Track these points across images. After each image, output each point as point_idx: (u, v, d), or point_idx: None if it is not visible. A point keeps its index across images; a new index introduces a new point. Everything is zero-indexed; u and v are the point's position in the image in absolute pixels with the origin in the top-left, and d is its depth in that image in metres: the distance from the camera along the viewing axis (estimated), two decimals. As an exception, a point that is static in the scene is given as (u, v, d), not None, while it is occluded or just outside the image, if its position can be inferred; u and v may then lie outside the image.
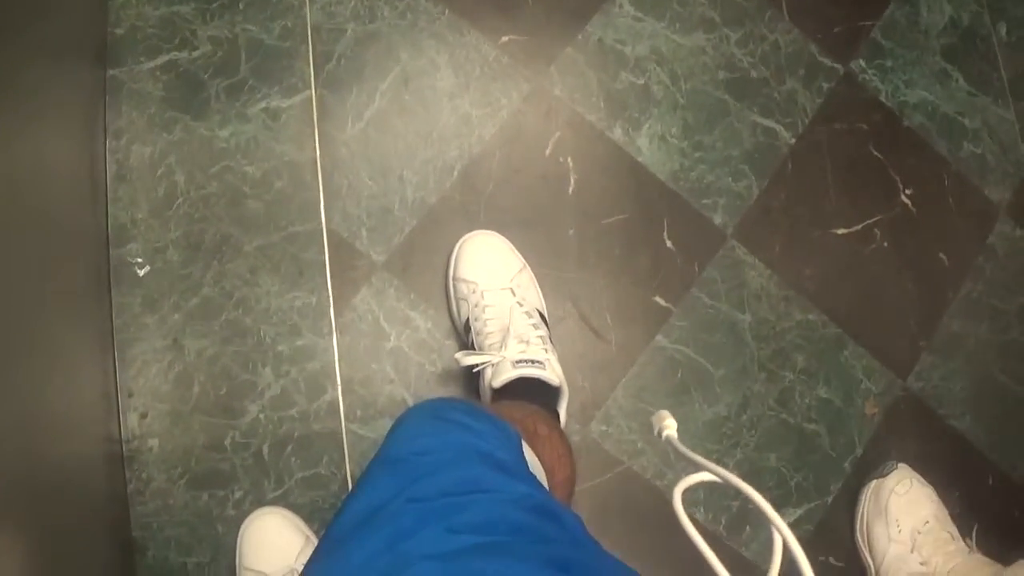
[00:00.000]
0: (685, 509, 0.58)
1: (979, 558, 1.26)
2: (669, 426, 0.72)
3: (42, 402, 0.98)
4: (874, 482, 1.35)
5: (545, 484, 0.85)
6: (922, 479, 1.34)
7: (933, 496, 1.33)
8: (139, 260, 1.26)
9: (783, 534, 0.52)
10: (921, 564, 1.26)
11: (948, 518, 1.32)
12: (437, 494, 0.66)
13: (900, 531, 1.29)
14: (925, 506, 1.31)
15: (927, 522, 1.29)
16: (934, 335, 1.43)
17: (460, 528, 0.62)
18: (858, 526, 1.35)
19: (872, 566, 1.33)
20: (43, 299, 1.01)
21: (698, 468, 0.62)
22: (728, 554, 1.31)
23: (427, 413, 0.81)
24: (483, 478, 0.69)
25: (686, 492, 0.60)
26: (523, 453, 0.81)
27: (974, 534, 1.33)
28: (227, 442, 1.23)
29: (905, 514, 1.30)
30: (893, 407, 1.40)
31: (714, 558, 0.54)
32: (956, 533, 1.31)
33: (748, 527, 1.32)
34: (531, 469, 0.80)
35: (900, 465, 1.34)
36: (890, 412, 1.40)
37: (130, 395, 1.24)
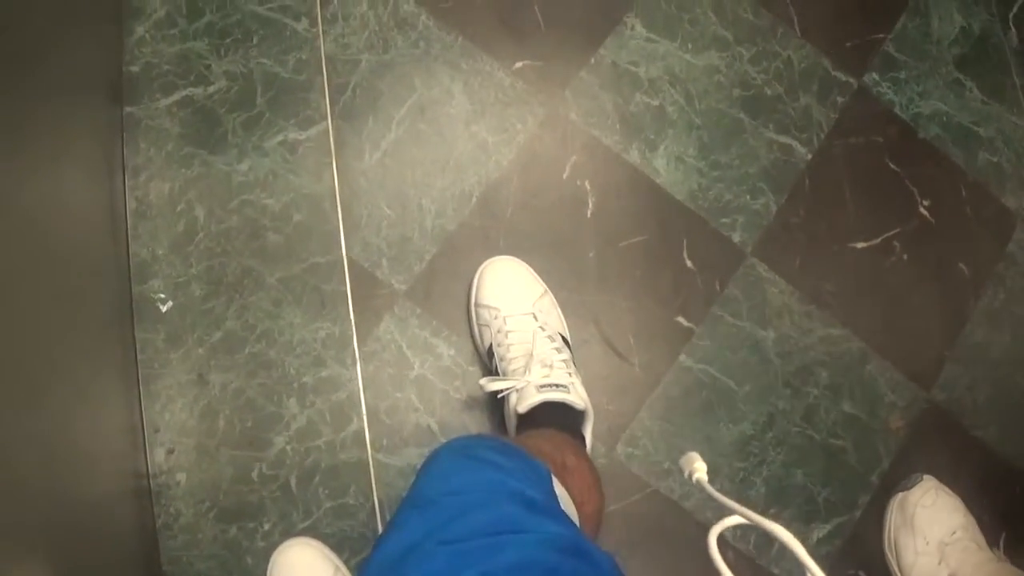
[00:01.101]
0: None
1: (1008, 567, 1.25)
2: (699, 469, 0.72)
3: (68, 439, 0.99)
4: (900, 495, 1.34)
5: (575, 517, 0.85)
6: (948, 490, 1.33)
7: (960, 507, 1.32)
8: (161, 296, 1.26)
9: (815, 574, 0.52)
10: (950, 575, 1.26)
11: (976, 528, 1.31)
12: (469, 535, 0.66)
13: (927, 543, 1.28)
14: (952, 517, 1.30)
15: (954, 533, 1.28)
16: (957, 345, 1.43)
17: (494, 572, 0.62)
18: (886, 539, 1.34)
19: None
20: (66, 337, 1.02)
21: (729, 511, 0.62)
22: (757, 571, 1.30)
23: (457, 451, 0.81)
24: (514, 517, 0.69)
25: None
26: (554, 489, 0.81)
27: (1002, 543, 1.32)
28: (254, 474, 1.23)
29: (932, 526, 1.29)
30: (918, 419, 1.40)
31: None
32: (983, 543, 1.29)
33: (776, 544, 1.31)
34: (562, 504, 0.80)
35: (926, 477, 1.34)
36: (915, 424, 1.39)
37: (156, 430, 1.24)
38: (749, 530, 1.32)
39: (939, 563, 1.27)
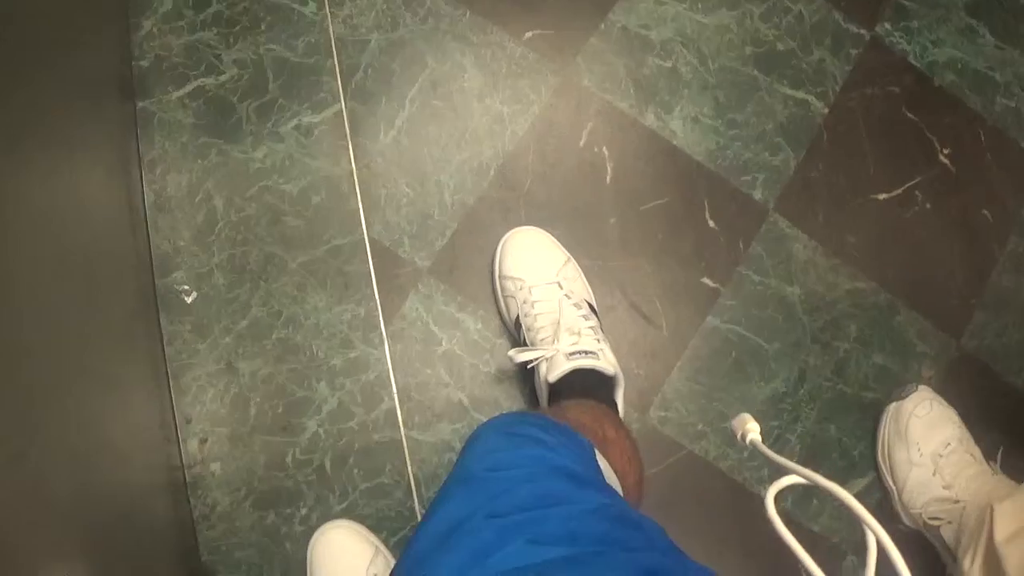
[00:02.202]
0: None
1: (1005, 480, 1.23)
2: (752, 430, 0.71)
3: (101, 434, 0.99)
4: (893, 405, 1.33)
5: (619, 490, 0.84)
6: (943, 401, 1.32)
7: (955, 417, 1.30)
8: (185, 287, 1.27)
9: (877, 534, 0.51)
10: (944, 488, 1.24)
11: (971, 440, 1.29)
12: (516, 509, 0.66)
13: (921, 454, 1.27)
14: (947, 428, 1.28)
15: (948, 444, 1.26)
16: (984, 293, 1.42)
17: (544, 540, 0.62)
18: (879, 450, 1.33)
19: (895, 490, 1.30)
20: (94, 334, 1.02)
21: (785, 470, 0.61)
22: (797, 529, 1.30)
23: (500, 429, 0.81)
24: (560, 491, 0.69)
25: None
26: (597, 463, 0.81)
27: (999, 456, 1.30)
28: (288, 460, 1.23)
29: (926, 436, 1.28)
30: (950, 368, 1.39)
31: (811, 563, 0.54)
32: (979, 455, 1.28)
33: (815, 500, 1.31)
34: (606, 477, 0.80)
35: (920, 387, 1.32)
36: (947, 373, 1.39)
37: (188, 421, 1.24)
38: (786, 488, 1.32)
39: (933, 474, 1.25)
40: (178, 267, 1.27)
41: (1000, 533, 1.10)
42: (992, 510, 1.13)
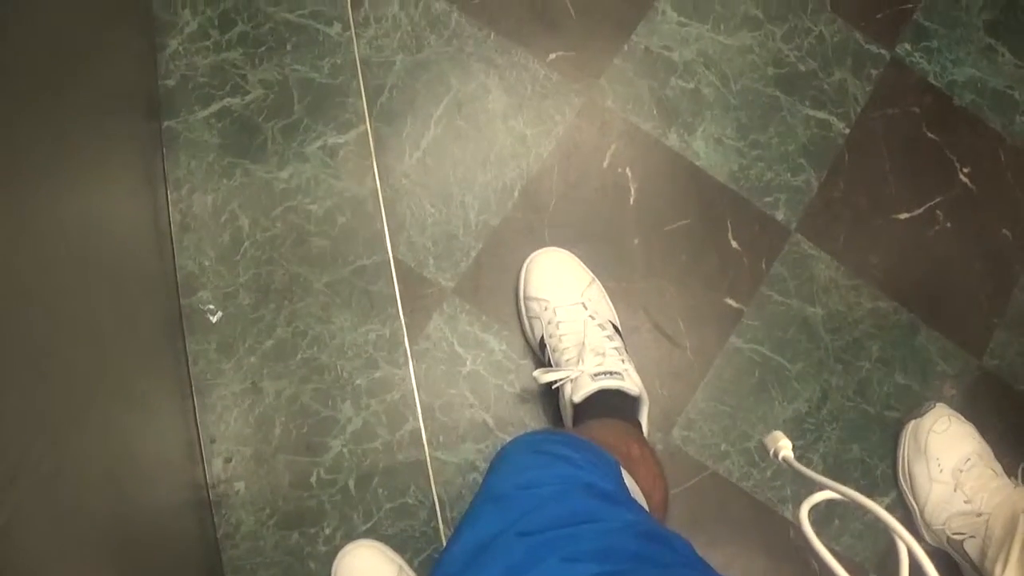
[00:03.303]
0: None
1: None
2: (784, 446, 0.72)
3: (126, 453, 0.99)
4: (912, 422, 1.33)
5: (646, 507, 0.85)
6: (961, 417, 1.32)
7: (974, 433, 1.31)
8: (211, 307, 1.27)
9: (909, 545, 0.52)
10: (966, 503, 1.24)
11: (991, 455, 1.29)
12: (547, 526, 0.66)
13: (941, 470, 1.27)
14: (966, 443, 1.29)
15: (968, 459, 1.26)
16: (1006, 311, 1.42)
17: (577, 557, 0.62)
18: (900, 469, 1.33)
19: (916, 509, 1.30)
20: (119, 353, 1.02)
21: (819, 486, 0.62)
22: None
23: (527, 447, 0.81)
24: (590, 508, 0.69)
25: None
26: (623, 480, 0.81)
27: (1020, 472, 1.30)
28: (313, 479, 1.24)
29: (945, 452, 1.28)
30: (971, 386, 1.39)
31: (844, 572, 0.54)
32: (1000, 470, 1.27)
33: (836, 520, 1.32)
34: (632, 495, 0.80)
35: (938, 404, 1.33)
36: (969, 392, 1.39)
37: (213, 440, 1.25)
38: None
39: (954, 490, 1.26)
40: (203, 287, 1.28)
41: None
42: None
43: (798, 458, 1.30)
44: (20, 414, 0.69)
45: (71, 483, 0.78)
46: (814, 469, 1.30)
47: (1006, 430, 1.37)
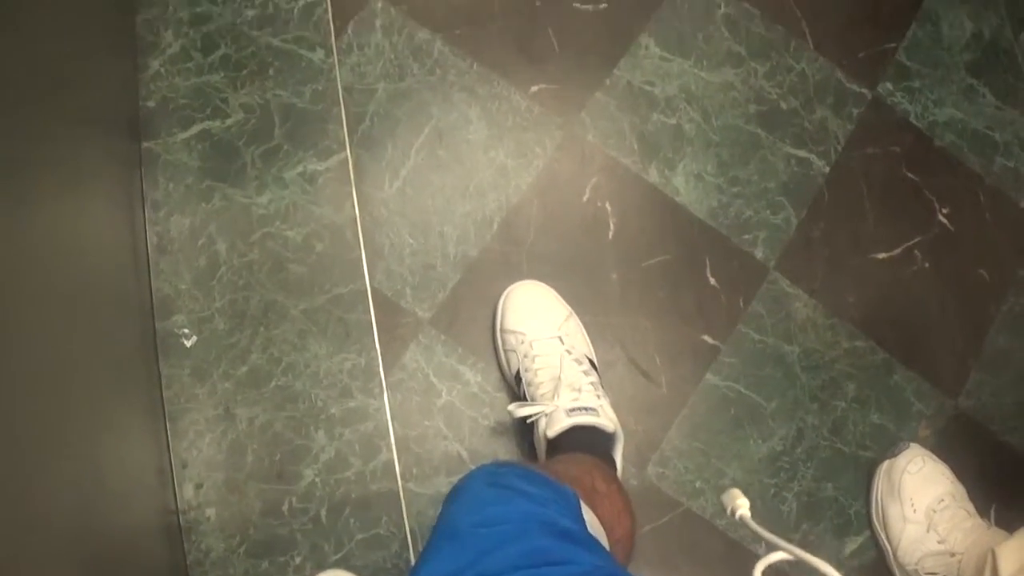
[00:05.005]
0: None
1: (999, 532, 1.23)
2: (741, 505, 0.72)
3: (97, 477, 0.98)
4: (886, 463, 1.33)
5: (605, 542, 0.84)
6: (935, 457, 1.32)
7: (948, 474, 1.31)
8: (185, 331, 1.26)
9: None
10: (939, 543, 1.24)
11: (965, 496, 1.30)
12: (506, 568, 0.66)
13: (915, 510, 1.27)
14: (940, 484, 1.29)
15: (942, 500, 1.27)
16: (981, 352, 1.43)
17: None
18: (873, 509, 1.34)
19: (890, 549, 1.30)
20: (91, 375, 1.02)
21: (774, 546, 0.62)
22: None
23: (486, 480, 0.81)
24: (550, 549, 0.69)
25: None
26: (582, 514, 0.81)
27: (992, 513, 1.31)
28: (284, 508, 1.23)
29: (919, 492, 1.28)
30: (946, 426, 1.40)
31: None
32: (973, 510, 1.28)
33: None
34: (591, 529, 0.80)
35: (912, 444, 1.33)
36: (943, 432, 1.39)
37: (184, 466, 1.24)
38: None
39: (928, 530, 1.26)
40: (179, 310, 1.27)
41: (1005, 572, 1.10)
42: (994, 553, 1.13)
43: (773, 496, 1.32)
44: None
45: (39, 504, 0.78)
46: (788, 507, 1.31)
47: (980, 470, 1.37)
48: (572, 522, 0.76)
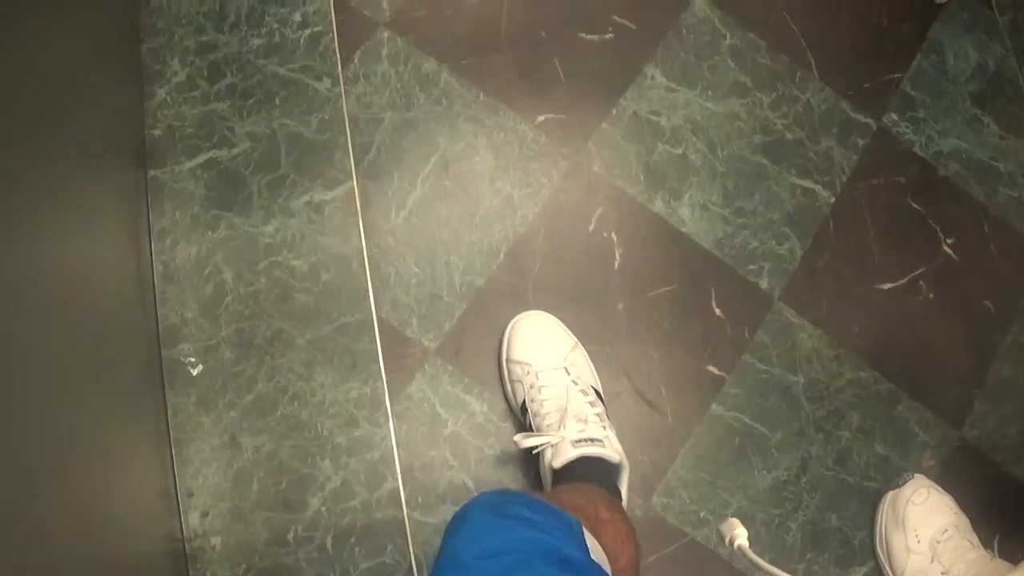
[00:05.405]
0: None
1: (1002, 563, 1.23)
2: (740, 535, 0.72)
3: (103, 504, 0.99)
4: (891, 493, 1.33)
5: (608, 570, 0.85)
6: (939, 488, 1.33)
7: (952, 504, 1.31)
8: (191, 359, 1.26)
9: None
10: (943, 574, 1.25)
11: (968, 526, 1.30)
12: None
13: (919, 541, 1.27)
14: (944, 515, 1.29)
15: (946, 531, 1.27)
16: (985, 382, 1.43)
17: None
18: (877, 539, 1.34)
19: None
20: (98, 402, 1.02)
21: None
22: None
23: (488, 509, 0.81)
24: None
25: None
26: (585, 542, 0.81)
27: (995, 544, 1.31)
28: (290, 536, 1.23)
29: (923, 523, 1.28)
30: (950, 457, 1.40)
31: None
32: (977, 542, 1.29)
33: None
34: (594, 556, 0.80)
35: (916, 475, 1.33)
36: (947, 463, 1.40)
37: (190, 494, 1.24)
38: None
39: (931, 561, 1.26)
40: (185, 339, 1.27)
41: None
42: None
43: (778, 526, 1.32)
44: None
45: (45, 531, 0.78)
46: (793, 537, 1.31)
47: (983, 501, 1.37)
48: (575, 550, 0.76)
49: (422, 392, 1.29)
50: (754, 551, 0.77)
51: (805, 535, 1.33)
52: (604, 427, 1.18)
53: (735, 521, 0.73)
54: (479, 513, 0.81)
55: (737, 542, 0.72)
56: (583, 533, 0.81)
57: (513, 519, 0.77)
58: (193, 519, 1.24)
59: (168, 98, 1.33)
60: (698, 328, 1.36)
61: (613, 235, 1.37)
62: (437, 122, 1.36)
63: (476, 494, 1.24)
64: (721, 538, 0.74)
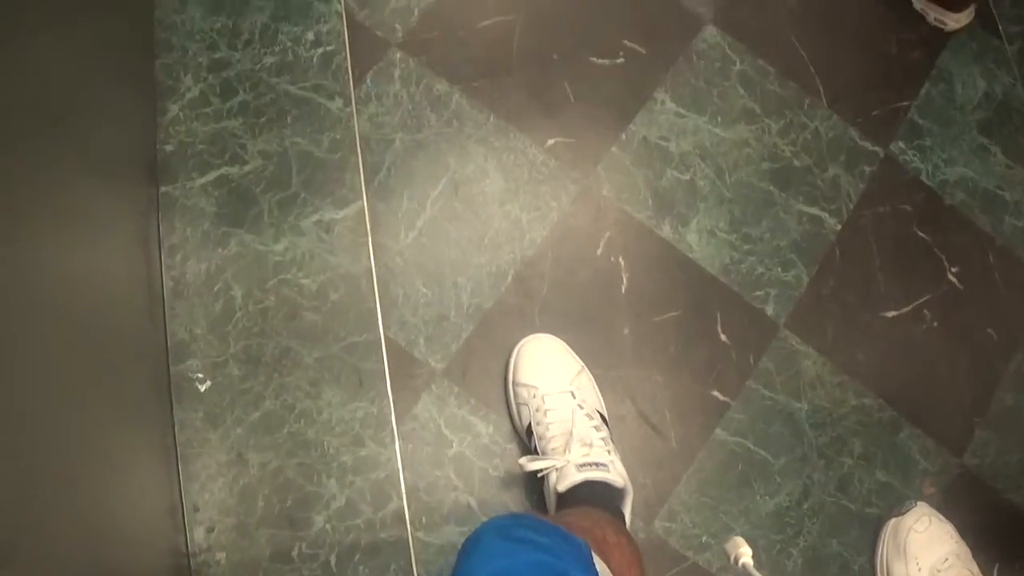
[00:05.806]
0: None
1: None
2: (744, 554, 0.73)
3: (109, 518, 0.99)
4: (893, 520, 1.34)
5: None
6: (941, 516, 1.33)
7: (953, 533, 1.32)
8: (200, 375, 1.27)
9: None
10: None
11: (969, 556, 1.31)
12: None
13: (920, 569, 1.28)
14: (945, 543, 1.30)
15: (947, 559, 1.28)
16: (987, 411, 1.44)
17: None
18: (878, 566, 1.34)
19: None
20: (106, 417, 1.03)
21: None
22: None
23: (497, 533, 0.82)
24: None
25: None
26: (594, 564, 0.82)
27: (995, 572, 1.32)
28: (294, 553, 1.24)
29: (925, 552, 1.29)
30: (951, 485, 1.40)
31: None
32: (977, 571, 1.29)
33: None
34: None
35: (919, 503, 1.34)
36: (948, 490, 1.40)
37: (196, 509, 1.24)
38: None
39: None
40: (193, 355, 1.28)
41: None
42: None
43: (779, 552, 1.32)
44: (3, 475, 0.70)
45: (51, 544, 0.79)
46: (794, 562, 1.32)
47: (984, 529, 1.38)
48: (583, 572, 0.77)
49: (428, 412, 1.29)
50: (758, 570, 0.77)
51: (806, 560, 1.34)
52: (609, 451, 1.18)
53: (740, 539, 0.74)
54: (488, 536, 0.82)
55: (742, 560, 0.73)
56: (591, 556, 0.82)
57: (521, 542, 0.78)
58: (199, 534, 1.24)
59: (181, 114, 1.34)
60: (703, 353, 1.37)
61: (620, 259, 1.37)
62: (448, 144, 1.37)
63: (480, 514, 1.26)
64: (726, 556, 0.74)
